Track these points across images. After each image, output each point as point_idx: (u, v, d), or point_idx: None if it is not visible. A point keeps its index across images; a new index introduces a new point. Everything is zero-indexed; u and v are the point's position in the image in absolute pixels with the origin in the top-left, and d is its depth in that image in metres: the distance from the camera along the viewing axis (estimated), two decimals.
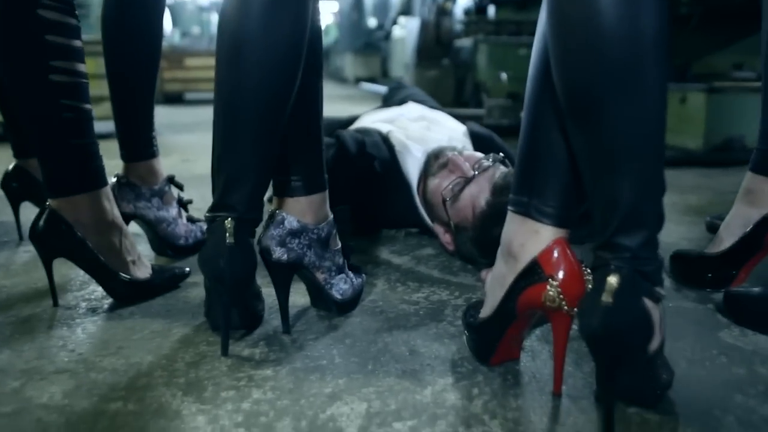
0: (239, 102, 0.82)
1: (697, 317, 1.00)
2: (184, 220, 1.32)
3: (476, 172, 1.18)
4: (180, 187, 1.32)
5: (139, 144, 1.24)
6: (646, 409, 0.73)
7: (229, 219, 0.83)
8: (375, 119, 1.58)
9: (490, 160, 1.20)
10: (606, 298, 0.61)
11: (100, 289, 1.10)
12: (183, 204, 1.33)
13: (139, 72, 1.22)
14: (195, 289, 1.10)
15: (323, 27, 0.99)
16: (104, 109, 1.33)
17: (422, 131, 1.42)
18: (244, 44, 0.80)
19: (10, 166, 1.40)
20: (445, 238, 1.26)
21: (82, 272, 1.18)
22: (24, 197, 1.42)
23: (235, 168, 0.84)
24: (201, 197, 1.70)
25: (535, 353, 0.87)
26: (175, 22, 8.82)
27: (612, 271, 0.63)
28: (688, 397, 0.76)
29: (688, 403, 0.74)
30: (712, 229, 1.45)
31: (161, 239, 1.28)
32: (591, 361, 0.84)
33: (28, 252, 1.32)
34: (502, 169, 1.18)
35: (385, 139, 1.40)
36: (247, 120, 0.83)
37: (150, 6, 1.20)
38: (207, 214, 0.86)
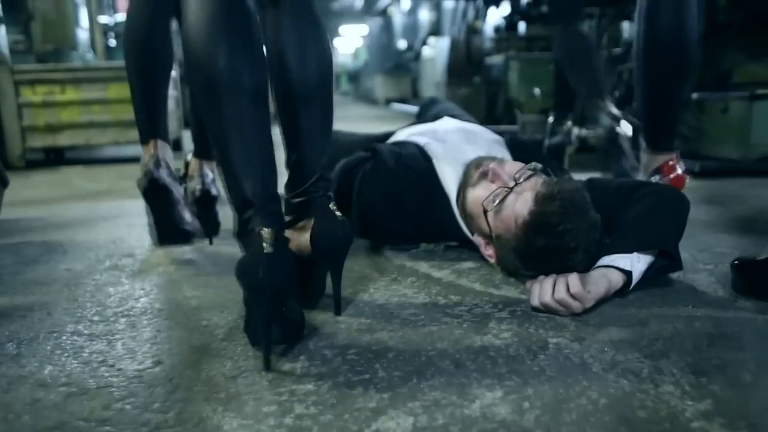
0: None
1: (757, 328, 0.95)
2: None
3: (518, 182, 1.14)
4: None
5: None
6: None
7: (266, 229, 0.82)
8: (411, 132, 1.56)
9: (532, 169, 1.16)
10: None
11: (138, 304, 1.10)
12: None
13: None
14: (233, 304, 1.09)
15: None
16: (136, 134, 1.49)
17: (460, 142, 1.40)
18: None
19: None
20: (487, 250, 1.22)
21: (120, 287, 1.19)
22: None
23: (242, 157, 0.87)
24: None
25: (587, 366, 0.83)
26: None
27: None
28: (758, 410, 0.71)
29: (760, 418, 0.70)
30: None
31: (172, 222, 1.38)
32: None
33: (69, 270, 1.33)
34: (545, 178, 1.15)
35: (423, 151, 1.38)
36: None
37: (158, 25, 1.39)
38: (239, 228, 0.88)
